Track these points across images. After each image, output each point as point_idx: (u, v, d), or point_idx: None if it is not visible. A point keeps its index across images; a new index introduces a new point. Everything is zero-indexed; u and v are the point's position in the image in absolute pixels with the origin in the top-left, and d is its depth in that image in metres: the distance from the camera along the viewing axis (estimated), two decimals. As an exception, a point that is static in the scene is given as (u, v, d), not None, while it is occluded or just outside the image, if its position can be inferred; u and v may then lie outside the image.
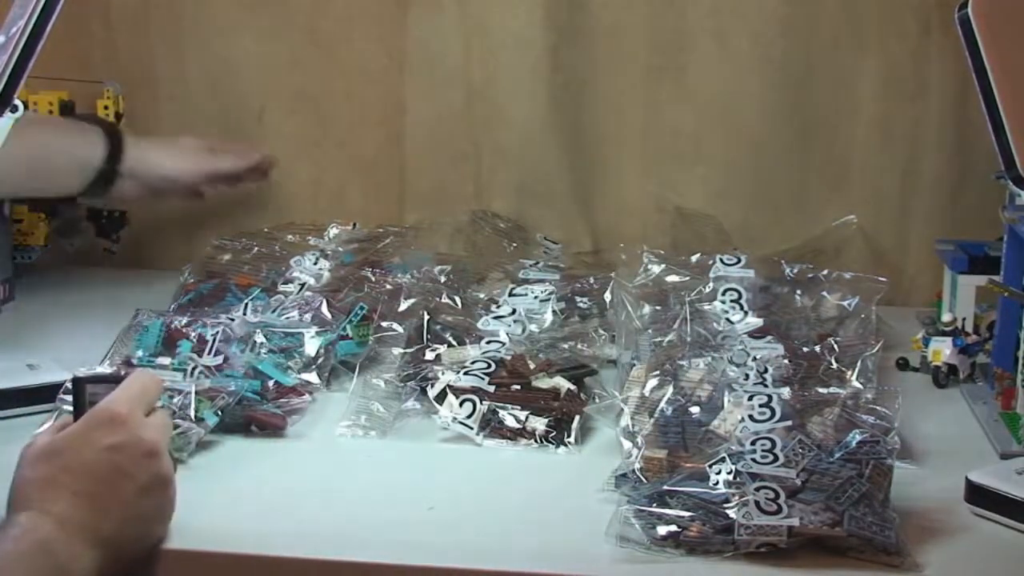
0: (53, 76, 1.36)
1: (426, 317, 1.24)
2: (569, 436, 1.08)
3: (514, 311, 1.25)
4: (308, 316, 1.25)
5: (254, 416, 1.10)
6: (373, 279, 1.35)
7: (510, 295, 1.30)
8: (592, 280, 1.37)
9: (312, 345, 1.20)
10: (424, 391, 1.14)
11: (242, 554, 0.90)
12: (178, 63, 1.56)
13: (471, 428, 1.08)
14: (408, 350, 1.21)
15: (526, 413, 1.09)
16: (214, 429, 1.06)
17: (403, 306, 1.28)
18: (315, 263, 1.36)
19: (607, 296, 1.31)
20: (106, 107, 1.50)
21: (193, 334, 1.18)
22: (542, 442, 1.07)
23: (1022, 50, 1.04)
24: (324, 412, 1.15)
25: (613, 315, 1.27)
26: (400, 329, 1.23)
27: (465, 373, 1.12)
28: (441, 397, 1.11)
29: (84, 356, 1.16)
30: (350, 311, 1.25)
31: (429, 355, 1.19)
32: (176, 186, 1.46)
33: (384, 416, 1.12)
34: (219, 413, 1.06)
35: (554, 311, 1.28)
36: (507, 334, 1.21)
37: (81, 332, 1.32)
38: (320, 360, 1.19)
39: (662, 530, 0.89)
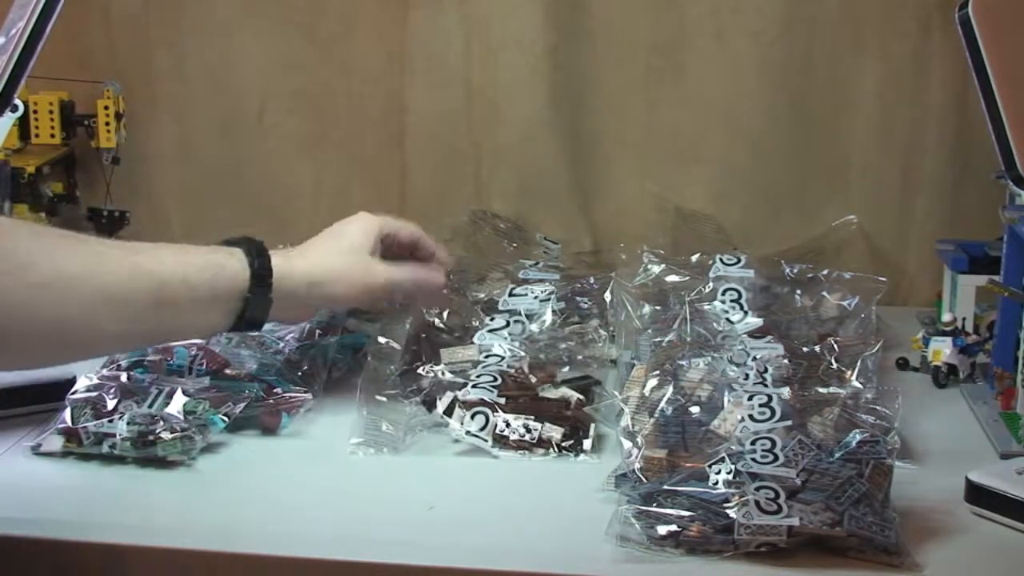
0: (53, 76, 1.36)
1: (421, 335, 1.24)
2: (587, 442, 1.07)
3: (508, 324, 1.24)
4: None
5: (254, 417, 1.10)
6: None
7: (510, 295, 1.30)
8: (592, 280, 1.37)
9: (309, 346, 1.21)
10: (425, 404, 1.13)
11: (243, 554, 0.90)
12: (178, 63, 1.56)
13: (485, 440, 1.07)
14: (405, 366, 1.19)
15: (540, 423, 1.07)
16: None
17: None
18: None
19: (607, 296, 1.31)
20: (106, 107, 1.50)
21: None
22: (560, 451, 1.07)
23: (1022, 50, 1.04)
24: (323, 412, 1.15)
25: (613, 315, 1.27)
26: (397, 346, 1.22)
27: (473, 387, 1.11)
28: (450, 410, 1.10)
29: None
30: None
31: (424, 371, 1.17)
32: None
33: (393, 434, 1.10)
34: (225, 419, 1.07)
35: (554, 311, 1.27)
36: (506, 348, 1.19)
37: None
38: (318, 360, 1.19)
39: (662, 530, 0.89)
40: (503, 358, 1.17)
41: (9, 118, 1.07)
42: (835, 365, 1.13)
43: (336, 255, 1.13)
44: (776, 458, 0.93)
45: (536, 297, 1.29)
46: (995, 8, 1.03)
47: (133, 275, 0.98)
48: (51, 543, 0.92)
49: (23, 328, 0.91)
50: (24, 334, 0.92)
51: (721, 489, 0.91)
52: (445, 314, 1.27)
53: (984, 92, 1.04)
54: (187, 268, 1.01)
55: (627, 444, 1.00)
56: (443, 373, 1.15)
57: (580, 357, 1.23)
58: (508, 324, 1.24)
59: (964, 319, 1.26)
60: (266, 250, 1.07)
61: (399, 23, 1.53)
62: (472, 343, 1.21)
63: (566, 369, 1.21)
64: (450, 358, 1.17)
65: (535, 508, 0.98)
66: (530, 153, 1.53)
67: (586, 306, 1.32)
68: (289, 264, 1.08)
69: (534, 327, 1.24)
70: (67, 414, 1.05)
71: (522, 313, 1.26)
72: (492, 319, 1.25)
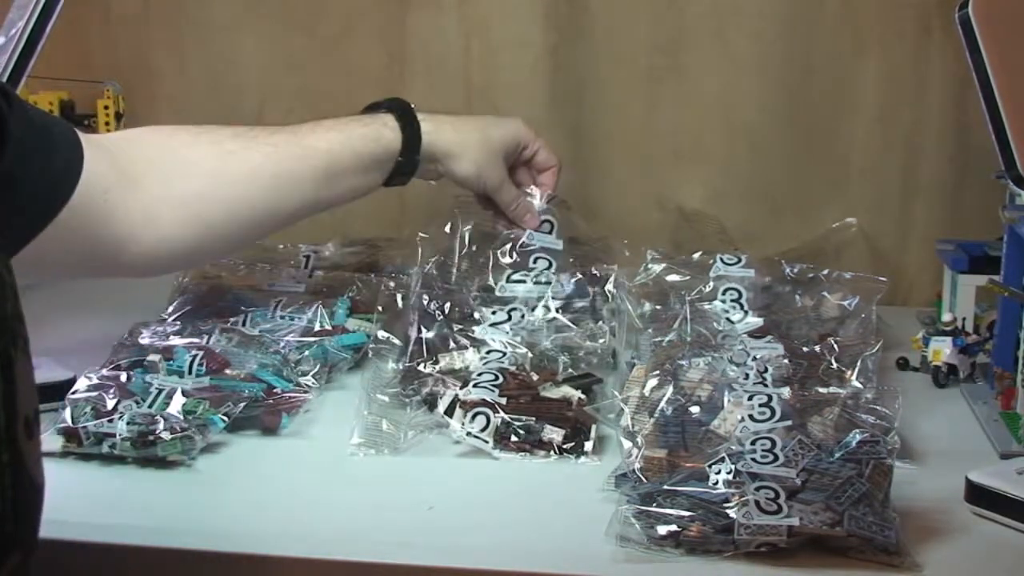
0: (53, 76, 1.37)
1: (425, 333, 1.23)
2: (588, 444, 1.06)
3: (509, 317, 1.24)
4: (305, 316, 1.25)
5: (254, 417, 1.10)
6: (370, 279, 1.35)
7: (507, 280, 1.27)
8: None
9: (309, 346, 1.21)
10: (426, 403, 1.12)
11: (243, 554, 0.90)
12: (178, 63, 1.57)
13: (486, 441, 1.06)
14: (407, 364, 1.19)
15: (542, 424, 1.07)
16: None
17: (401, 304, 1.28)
18: (307, 265, 1.38)
19: (608, 294, 1.30)
20: (106, 107, 1.50)
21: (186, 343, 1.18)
22: (561, 453, 1.06)
23: (1022, 50, 1.04)
24: (323, 412, 1.15)
25: (613, 315, 1.27)
26: (397, 341, 1.22)
27: (474, 386, 1.11)
28: (451, 410, 1.10)
29: (84, 356, 1.16)
30: (334, 305, 1.27)
31: (425, 368, 1.17)
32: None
33: (393, 434, 1.09)
34: (225, 419, 1.07)
35: (556, 310, 1.27)
36: (507, 343, 1.19)
37: (81, 332, 1.32)
38: (318, 360, 1.19)
39: (662, 530, 0.89)
40: (504, 354, 1.17)
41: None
42: (835, 365, 1.13)
43: (477, 142, 1.27)
44: (776, 458, 0.93)
45: (536, 280, 1.27)
46: (995, 8, 1.04)
47: (305, 155, 1.17)
48: (51, 543, 0.91)
49: (227, 217, 1.14)
50: (227, 222, 1.14)
51: (721, 489, 0.91)
52: (446, 307, 1.26)
53: (984, 92, 1.04)
54: (353, 141, 1.20)
55: (627, 444, 1.00)
56: (444, 378, 1.15)
57: (581, 356, 1.22)
58: (509, 317, 1.24)
59: (964, 319, 1.26)
60: (416, 116, 1.23)
61: (399, 23, 1.53)
62: (467, 347, 1.20)
63: (567, 368, 1.21)
64: (446, 366, 1.16)
65: (535, 508, 0.98)
66: (530, 153, 1.53)
67: (586, 306, 1.32)
68: (437, 132, 1.24)
69: (537, 313, 1.23)
70: (67, 414, 1.05)
71: (520, 300, 1.25)
72: (494, 312, 1.25)
